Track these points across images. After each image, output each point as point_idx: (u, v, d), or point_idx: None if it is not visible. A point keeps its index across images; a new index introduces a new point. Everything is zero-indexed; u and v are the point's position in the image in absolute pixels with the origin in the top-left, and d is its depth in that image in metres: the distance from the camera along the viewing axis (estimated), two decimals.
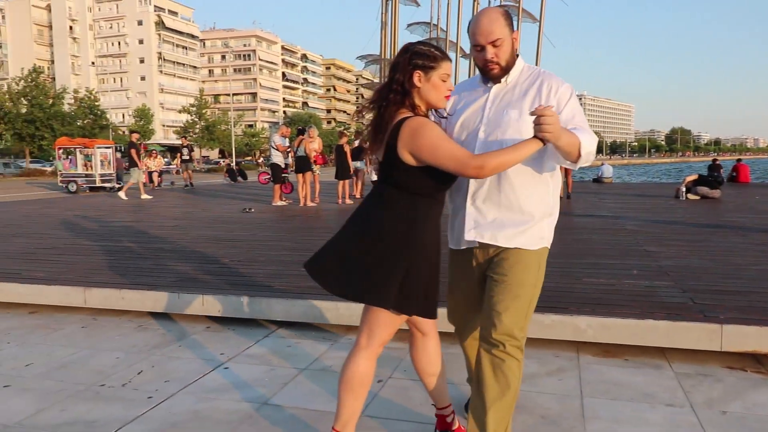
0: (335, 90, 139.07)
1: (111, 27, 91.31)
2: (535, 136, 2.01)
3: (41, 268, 5.58)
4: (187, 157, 21.33)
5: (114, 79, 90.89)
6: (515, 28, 2.28)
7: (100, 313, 4.68)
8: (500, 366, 2.14)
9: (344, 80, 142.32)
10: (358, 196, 15.05)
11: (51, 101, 47.17)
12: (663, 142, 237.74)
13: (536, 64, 16.41)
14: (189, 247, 6.76)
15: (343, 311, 4.11)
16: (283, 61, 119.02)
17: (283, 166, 13.23)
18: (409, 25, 20.59)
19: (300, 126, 16.54)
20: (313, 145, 12.96)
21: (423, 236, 2.14)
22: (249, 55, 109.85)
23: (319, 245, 2.25)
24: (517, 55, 2.30)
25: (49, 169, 42.47)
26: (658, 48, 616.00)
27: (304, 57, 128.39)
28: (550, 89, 2.22)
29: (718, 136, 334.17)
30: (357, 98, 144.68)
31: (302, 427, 2.67)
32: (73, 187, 21.45)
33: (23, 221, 10.12)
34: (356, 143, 15.47)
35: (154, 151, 24.43)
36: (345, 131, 15.85)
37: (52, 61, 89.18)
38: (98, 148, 22.20)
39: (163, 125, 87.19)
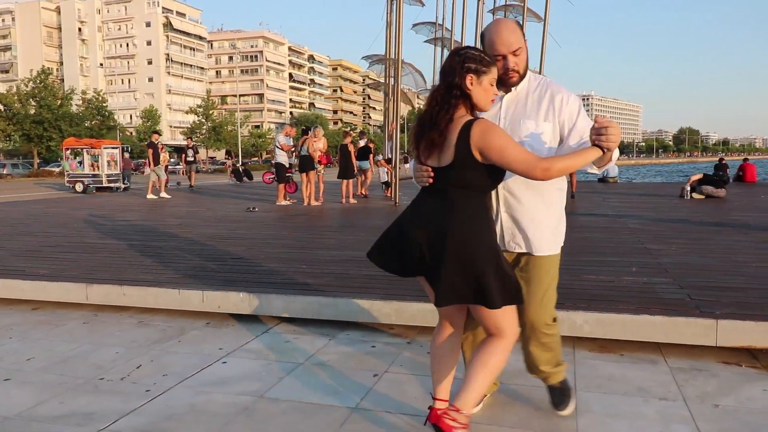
0: (342, 91, 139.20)
1: (119, 29, 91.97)
2: (595, 145, 2.18)
3: (45, 265, 5.65)
4: (192, 159, 21.47)
5: (122, 80, 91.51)
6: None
7: (101, 309, 4.73)
8: (548, 344, 2.61)
9: (351, 81, 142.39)
10: (365, 194, 15.10)
11: (59, 102, 47.55)
12: (671, 143, 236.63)
13: (541, 64, 16.47)
14: (191, 245, 6.81)
15: (342, 307, 4.14)
16: (290, 62, 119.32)
17: (287, 165, 13.30)
18: (414, 25, 20.56)
19: (306, 126, 16.59)
20: (318, 144, 13.01)
21: (491, 228, 2.27)
22: (256, 56, 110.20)
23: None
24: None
25: (56, 169, 42.69)
26: (665, 47, 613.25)
27: (311, 58, 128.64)
28: (562, 100, 2.41)
29: (727, 136, 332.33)
30: (363, 99, 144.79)
31: (297, 419, 2.70)
32: (80, 187, 21.60)
33: (29, 220, 10.21)
34: (361, 143, 15.53)
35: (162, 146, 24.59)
36: (351, 131, 15.88)
37: (61, 63, 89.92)
38: (105, 148, 22.31)
39: (171, 126, 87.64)
